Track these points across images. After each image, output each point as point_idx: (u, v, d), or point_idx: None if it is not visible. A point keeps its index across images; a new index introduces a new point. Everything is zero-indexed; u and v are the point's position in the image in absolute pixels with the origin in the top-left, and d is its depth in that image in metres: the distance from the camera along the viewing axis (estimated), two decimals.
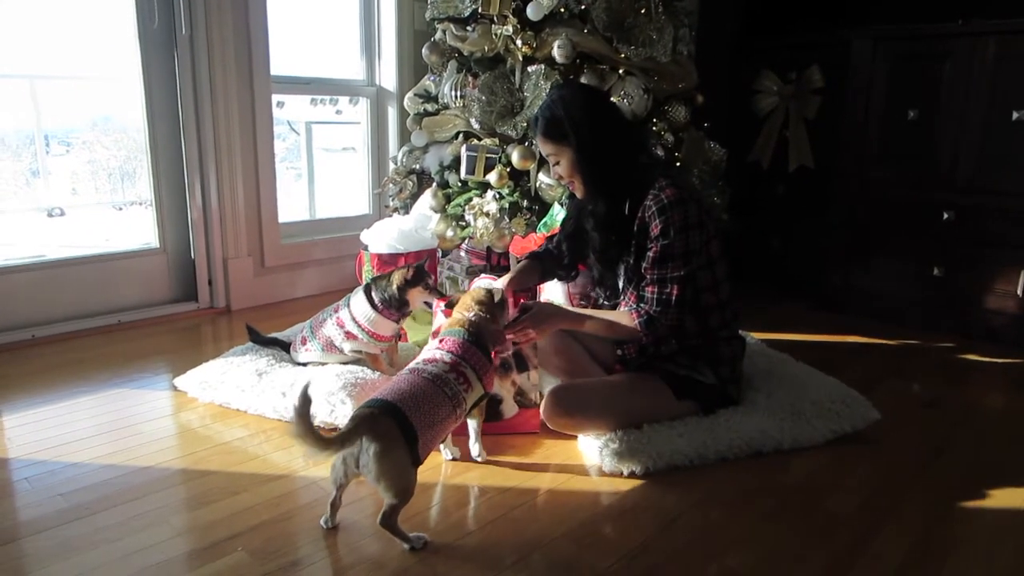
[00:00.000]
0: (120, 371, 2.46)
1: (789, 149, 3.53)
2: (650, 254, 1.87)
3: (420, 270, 2.18)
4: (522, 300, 2.13)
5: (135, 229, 3.18)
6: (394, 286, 2.14)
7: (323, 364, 2.20)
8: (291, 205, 3.67)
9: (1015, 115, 2.80)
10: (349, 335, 2.17)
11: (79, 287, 2.88)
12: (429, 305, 2.23)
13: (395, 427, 1.48)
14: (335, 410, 1.96)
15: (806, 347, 2.83)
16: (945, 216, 3.02)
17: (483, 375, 1.72)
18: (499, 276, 2.81)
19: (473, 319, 1.79)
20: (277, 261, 3.32)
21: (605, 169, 1.92)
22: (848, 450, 1.99)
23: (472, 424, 1.84)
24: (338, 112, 4.28)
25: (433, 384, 1.61)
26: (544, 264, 2.21)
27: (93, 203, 3.71)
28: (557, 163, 1.97)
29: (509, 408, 1.95)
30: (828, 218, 3.37)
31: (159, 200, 3.06)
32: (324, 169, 4.23)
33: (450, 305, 1.91)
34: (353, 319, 2.17)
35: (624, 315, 1.91)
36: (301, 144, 4.26)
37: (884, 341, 2.99)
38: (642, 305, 1.89)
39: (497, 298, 1.86)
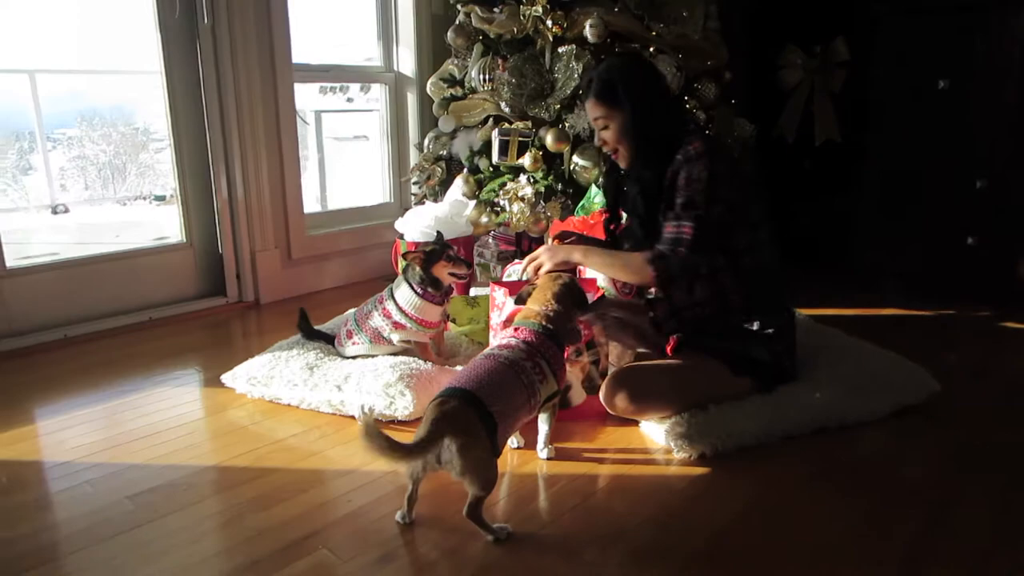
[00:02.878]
0: (159, 369, 2.42)
1: (815, 123, 3.50)
2: (676, 200, 1.87)
3: (434, 247, 2.15)
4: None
5: (144, 225, 3.13)
6: (418, 269, 2.12)
7: (372, 356, 2.16)
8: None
9: None
10: (397, 325, 2.14)
11: (107, 284, 2.83)
12: (458, 276, 2.18)
13: (476, 419, 1.45)
14: (394, 402, 1.92)
15: (843, 322, 2.80)
16: (978, 184, 2.99)
17: (557, 369, 1.67)
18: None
19: (550, 314, 1.73)
20: (303, 253, 3.27)
21: (655, 136, 1.93)
22: (911, 422, 1.97)
23: (543, 424, 1.77)
24: (349, 100, 4.22)
25: (510, 369, 1.57)
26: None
27: (98, 198, 3.66)
28: (605, 127, 1.98)
29: (577, 395, 1.91)
30: (857, 192, 3.34)
31: (184, 194, 3.00)
32: (335, 159, 4.18)
33: (520, 300, 1.83)
34: (399, 308, 2.14)
35: (637, 255, 1.90)
36: (310, 134, 4.21)
37: (921, 312, 2.97)
38: (658, 245, 1.89)
39: (575, 291, 1.80)
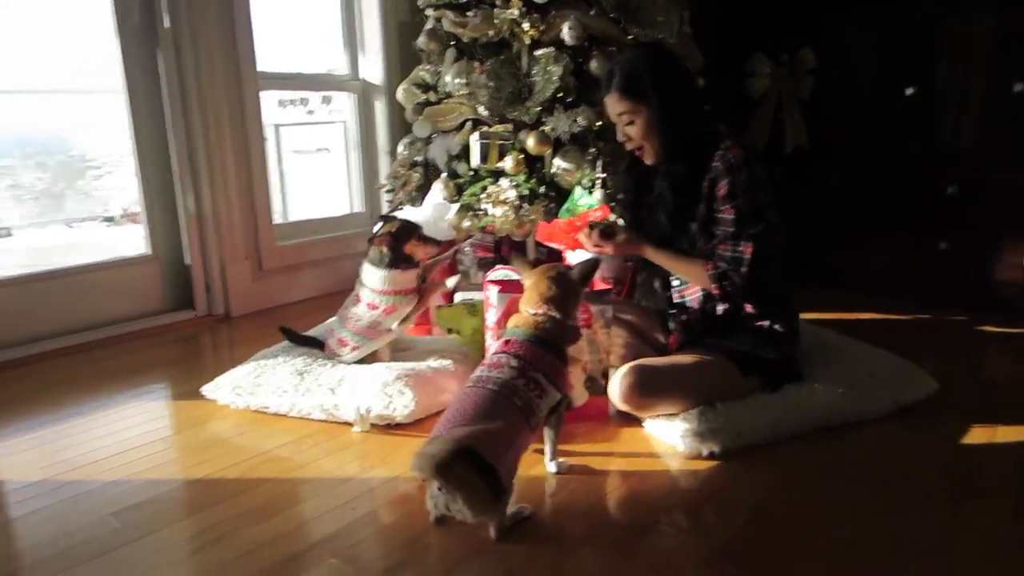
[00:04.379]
0: (131, 384, 2.29)
1: (785, 131, 3.54)
2: (722, 215, 1.84)
3: (402, 225, 2.09)
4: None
5: (94, 246, 2.99)
6: (385, 249, 2.05)
7: (372, 360, 2.09)
8: None
9: (1016, 87, 2.85)
10: (388, 310, 2.06)
11: (70, 300, 2.68)
12: (430, 255, 2.15)
13: (471, 471, 1.33)
14: (392, 401, 1.84)
15: (825, 325, 2.82)
16: (949, 190, 3.05)
17: (556, 379, 1.57)
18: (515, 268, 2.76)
19: (541, 320, 1.62)
20: (274, 264, 3.16)
21: (683, 130, 1.88)
22: (912, 420, 1.96)
23: (548, 436, 1.67)
24: (310, 112, 4.12)
25: (500, 396, 1.46)
26: None
27: (45, 221, 3.48)
28: (630, 123, 1.91)
29: (579, 396, 1.84)
30: (827, 198, 3.39)
31: (149, 206, 2.87)
32: (296, 172, 4.07)
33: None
34: (378, 293, 2.06)
35: (700, 265, 1.89)
36: (270, 148, 4.09)
37: (898, 316, 3.00)
38: (718, 261, 1.86)
39: (576, 276, 1.69)
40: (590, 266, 1.71)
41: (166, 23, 2.73)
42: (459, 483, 1.33)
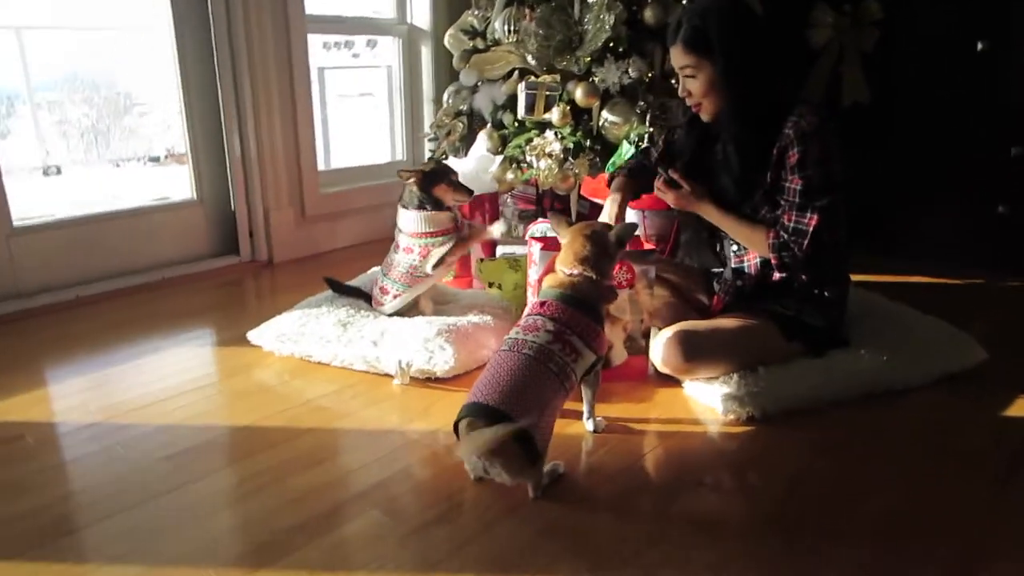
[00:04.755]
0: (177, 328, 2.34)
1: (843, 85, 3.40)
2: (790, 184, 1.76)
3: (434, 168, 2.09)
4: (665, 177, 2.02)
5: (139, 184, 3.02)
6: (414, 188, 2.05)
7: (415, 305, 2.12)
8: None
9: None
10: (423, 253, 2.07)
11: (117, 243, 2.73)
12: (460, 201, 2.13)
13: (508, 439, 1.34)
14: (434, 356, 1.86)
15: (874, 287, 2.75)
16: (1013, 152, 2.92)
17: (592, 340, 1.56)
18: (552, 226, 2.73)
19: (577, 280, 1.59)
20: (317, 211, 3.17)
21: (749, 90, 1.79)
22: (959, 388, 1.92)
23: (586, 395, 1.68)
24: (355, 56, 4.08)
25: (535, 362, 1.45)
26: (639, 181, 2.09)
27: (89, 160, 3.53)
28: (692, 77, 1.83)
29: (618, 355, 1.83)
30: (884, 157, 3.27)
31: (195, 150, 2.89)
32: (339, 117, 4.05)
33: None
34: (413, 236, 2.07)
35: (761, 231, 1.83)
36: (313, 91, 4.07)
37: (951, 281, 2.91)
38: (780, 230, 1.80)
39: (613, 237, 1.65)
40: (628, 229, 1.68)
41: None
42: (497, 450, 1.34)
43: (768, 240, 1.81)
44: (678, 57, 1.82)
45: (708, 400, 1.80)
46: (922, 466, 1.58)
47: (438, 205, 2.07)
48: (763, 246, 1.83)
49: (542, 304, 1.59)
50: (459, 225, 2.14)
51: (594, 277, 1.61)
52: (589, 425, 1.69)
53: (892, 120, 3.25)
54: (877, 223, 3.31)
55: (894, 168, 3.27)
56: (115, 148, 3.19)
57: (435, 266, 2.08)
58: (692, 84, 1.83)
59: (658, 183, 1.98)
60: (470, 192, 2.11)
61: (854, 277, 2.02)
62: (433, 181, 2.06)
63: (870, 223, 3.31)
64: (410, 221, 2.07)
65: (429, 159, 2.14)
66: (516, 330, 1.55)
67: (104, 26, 2.83)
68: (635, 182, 2.07)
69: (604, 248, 1.63)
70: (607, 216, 1.98)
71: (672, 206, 1.99)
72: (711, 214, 1.92)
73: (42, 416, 1.78)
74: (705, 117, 1.89)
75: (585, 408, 1.69)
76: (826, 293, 1.91)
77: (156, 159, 3.66)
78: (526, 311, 1.64)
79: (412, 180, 2.05)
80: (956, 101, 3.05)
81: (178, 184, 2.98)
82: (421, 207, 2.06)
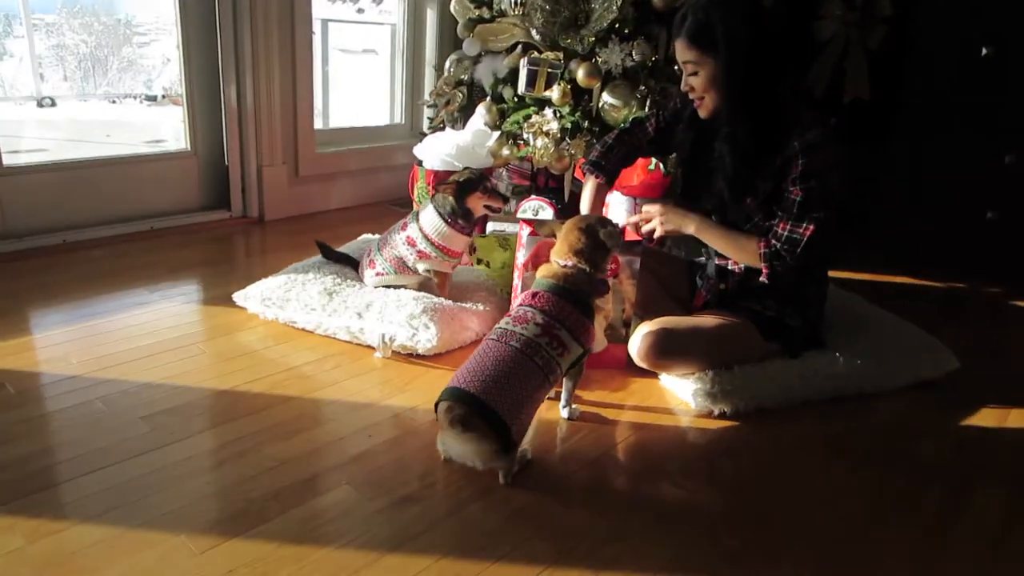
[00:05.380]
0: (165, 282, 2.35)
1: (846, 79, 3.39)
2: (789, 195, 1.76)
3: (471, 177, 2.05)
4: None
5: (135, 125, 2.98)
6: (450, 197, 2.02)
7: (397, 287, 2.10)
8: None
9: None
10: (422, 254, 2.06)
11: (107, 190, 2.72)
12: (492, 209, 2.10)
13: (483, 425, 1.38)
14: (417, 334, 1.88)
15: (857, 286, 2.78)
16: (1007, 159, 2.94)
17: (580, 334, 1.58)
18: (550, 199, 2.73)
19: (570, 272, 1.62)
20: (311, 171, 3.16)
21: (752, 91, 1.75)
22: (928, 396, 1.96)
23: (567, 384, 1.70)
24: (360, 11, 4.03)
25: (521, 354, 1.47)
26: (612, 179, 2.10)
27: (85, 92, 3.48)
28: (694, 73, 1.80)
29: (598, 343, 1.85)
30: (879, 154, 3.28)
31: (190, 100, 2.86)
32: (341, 72, 4.01)
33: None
34: (424, 236, 2.05)
35: (752, 241, 1.82)
36: (316, 44, 4.02)
37: (932, 283, 2.95)
38: (772, 239, 1.79)
39: (604, 236, 1.66)
40: (621, 229, 1.71)
41: None
42: (472, 437, 1.38)
43: (759, 250, 1.80)
44: (682, 52, 1.80)
45: (682, 394, 1.84)
46: (883, 472, 1.63)
47: (468, 216, 2.04)
48: (753, 256, 1.82)
49: (534, 295, 1.61)
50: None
51: (588, 269, 1.63)
52: (565, 413, 1.72)
53: (890, 118, 3.26)
54: (866, 219, 3.33)
55: (887, 166, 3.29)
56: (112, 81, 3.14)
57: (424, 271, 2.09)
58: (694, 80, 1.81)
59: (631, 221, 1.96)
60: (505, 199, 2.10)
61: (839, 273, 2.03)
62: (468, 190, 2.02)
63: (861, 218, 3.34)
64: (431, 224, 2.05)
65: (464, 168, 2.10)
66: (506, 320, 1.57)
67: None
68: (611, 184, 2.10)
69: (599, 241, 1.65)
70: (585, 207, 1.99)
71: (659, 236, 1.93)
72: (698, 233, 1.89)
73: (24, 365, 1.80)
74: (703, 114, 1.87)
75: (563, 396, 1.72)
76: (806, 293, 1.94)
77: (153, 98, 3.62)
78: (517, 300, 1.65)
79: (448, 191, 2.02)
80: (956, 105, 3.05)
81: (172, 128, 2.93)
82: (451, 219, 2.04)
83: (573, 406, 1.72)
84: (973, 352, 2.25)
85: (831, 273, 2.79)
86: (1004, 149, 2.94)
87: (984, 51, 2.93)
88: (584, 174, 2.15)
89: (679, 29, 1.79)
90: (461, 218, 2.04)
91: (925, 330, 2.21)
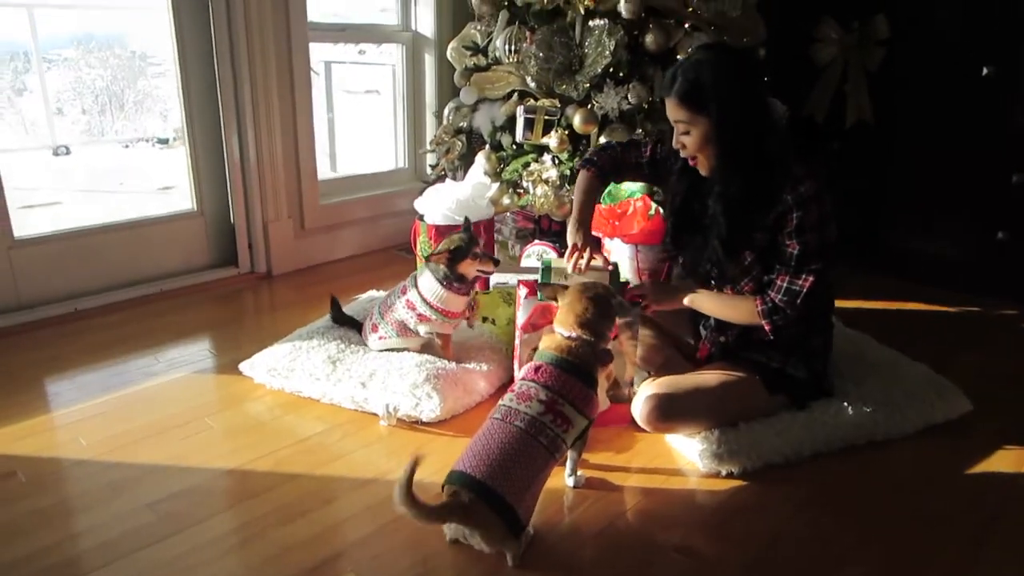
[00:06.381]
0: (174, 349, 2.38)
1: (847, 103, 3.37)
2: (786, 248, 1.75)
3: (460, 245, 2.04)
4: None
5: (146, 170, 3.02)
6: (442, 266, 2.03)
7: (400, 350, 2.11)
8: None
9: None
10: (422, 317, 2.06)
11: (117, 255, 2.76)
12: (486, 272, 2.12)
13: (489, 511, 1.38)
14: (420, 404, 1.88)
15: (868, 316, 2.76)
16: (1015, 179, 2.90)
17: (584, 406, 1.57)
18: (553, 243, 2.73)
19: (575, 345, 1.60)
20: (317, 223, 3.19)
21: (742, 151, 1.75)
22: (941, 442, 1.93)
23: (572, 455, 1.68)
24: (361, 52, 4.07)
25: (526, 434, 1.46)
26: (604, 176, 2.11)
27: (99, 137, 3.53)
28: (686, 132, 1.79)
29: (602, 402, 1.85)
30: (886, 177, 3.25)
31: (195, 163, 2.90)
32: (345, 113, 4.04)
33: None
34: (423, 300, 2.06)
35: (747, 300, 1.81)
36: (320, 86, 4.06)
37: (946, 308, 2.91)
38: (769, 292, 1.78)
39: (615, 305, 1.68)
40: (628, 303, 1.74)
41: None
42: (476, 523, 1.38)
43: (757, 308, 1.79)
44: (673, 111, 1.79)
45: (689, 453, 1.82)
46: (897, 529, 1.61)
47: (462, 279, 2.06)
48: (752, 315, 1.81)
49: (536, 369, 1.60)
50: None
51: (592, 340, 1.62)
52: (570, 482, 1.71)
53: (895, 140, 3.23)
54: (877, 243, 3.31)
55: (896, 189, 3.26)
56: (129, 114, 3.19)
57: (426, 333, 2.10)
58: (686, 139, 1.80)
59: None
60: (496, 261, 2.11)
61: (850, 303, 1.99)
62: (459, 258, 2.03)
63: (870, 243, 3.31)
64: (428, 288, 2.06)
65: (453, 235, 2.10)
66: (510, 396, 1.57)
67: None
68: (604, 182, 2.12)
69: (605, 310, 1.65)
70: (574, 214, 2.00)
71: (655, 310, 1.96)
72: (692, 304, 1.90)
73: (35, 449, 1.82)
74: (703, 171, 1.86)
75: (568, 465, 1.71)
76: (811, 342, 1.92)
77: (165, 141, 3.68)
78: (520, 373, 1.65)
79: (440, 261, 2.03)
80: (960, 125, 3.03)
81: (185, 173, 2.96)
82: (447, 282, 2.05)
83: (578, 473, 1.71)
84: (989, 385, 2.22)
85: (841, 303, 2.80)
86: (1011, 168, 2.90)
87: (985, 71, 2.90)
88: (576, 172, 2.16)
89: (669, 88, 1.78)
90: (456, 281, 2.05)
91: (940, 361, 2.20)
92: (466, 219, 2.16)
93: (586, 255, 1.94)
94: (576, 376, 1.58)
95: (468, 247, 2.04)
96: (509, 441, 1.45)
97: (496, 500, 1.37)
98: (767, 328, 1.80)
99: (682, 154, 1.86)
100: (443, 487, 1.45)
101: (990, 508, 1.69)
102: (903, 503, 1.70)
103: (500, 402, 1.57)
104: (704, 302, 1.89)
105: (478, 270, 2.06)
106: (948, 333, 2.69)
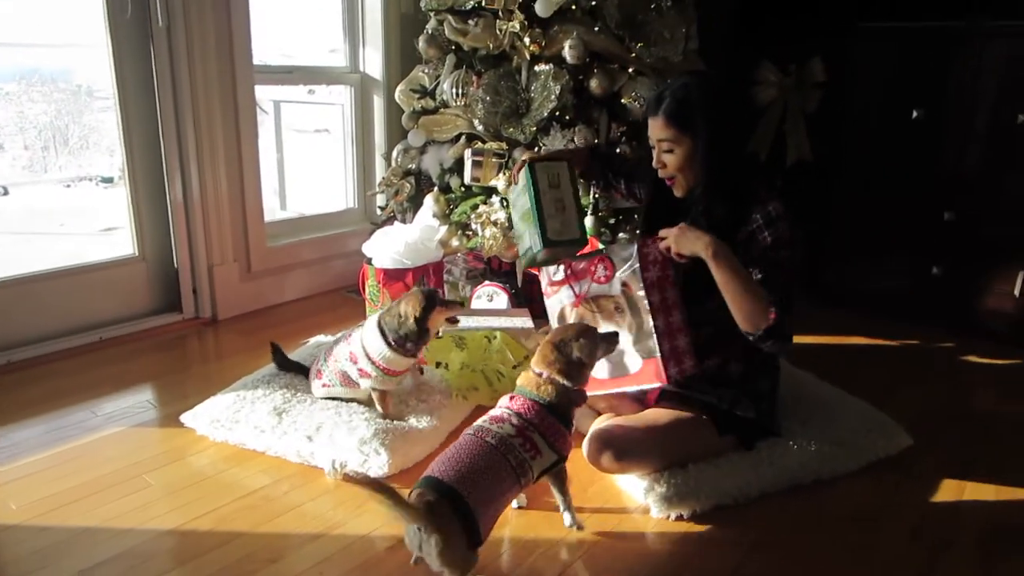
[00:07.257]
0: (112, 402, 2.29)
1: (787, 143, 3.48)
2: (753, 269, 1.75)
3: (428, 294, 1.99)
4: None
5: (89, 210, 2.93)
6: (411, 321, 1.94)
7: (347, 400, 2.08)
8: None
9: (1021, 118, 2.79)
10: (363, 372, 2.02)
11: (55, 303, 2.67)
12: (452, 321, 2.05)
13: (452, 516, 1.39)
14: (368, 460, 1.85)
15: (812, 352, 2.82)
16: (946, 216, 3.02)
17: (555, 441, 1.60)
18: (503, 283, 2.73)
19: (550, 386, 1.64)
20: (263, 265, 3.14)
21: (725, 170, 1.80)
22: (885, 477, 1.97)
23: (558, 496, 1.70)
24: (310, 92, 4.06)
25: (496, 451, 1.51)
26: (597, 150, 2.23)
27: (40, 178, 3.44)
28: (669, 151, 1.83)
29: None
30: (826, 214, 3.35)
31: (136, 205, 2.83)
32: (295, 152, 4.02)
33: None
34: (367, 356, 2.01)
35: (763, 299, 1.70)
36: (268, 125, 4.03)
37: (886, 342, 2.99)
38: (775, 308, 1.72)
39: (577, 350, 1.65)
40: (601, 345, 1.70)
41: (159, 20, 2.66)
42: (436, 528, 1.37)
43: (769, 317, 1.69)
44: (658, 129, 1.83)
45: (639, 495, 1.82)
46: (847, 565, 1.64)
47: (422, 337, 1.98)
48: (758, 316, 1.70)
49: (511, 397, 1.66)
50: (420, 371, 2.19)
51: (564, 383, 1.65)
52: (567, 519, 1.71)
53: (835, 179, 3.33)
54: (819, 278, 3.39)
55: (835, 225, 3.36)
56: (73, 149, 3.09)
57: (366, 386, 2.05)
58: (668, 157, 1.84)
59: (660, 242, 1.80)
60: (460, 304, 2.12)
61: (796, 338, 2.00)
62: (428, 312, 1.96)
63: (813, 278, 3.40)
64: (375, 347, 1.99)
65: (414, 289, 2.06)
66: (484, 418, 1.62)
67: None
68: (594, 155, 2.22)
69: (572, 358, 1.66)
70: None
71: (676, 252, 1.75)
72: (710, 257, 1.70)
73: None
74: (679, 192, 1.89)
75: (560, 503, 1.72)
76: (759, 384, 1.95)
77: (110, 180, 3.59)
78: (499, 401, 1.68)
79: (411, 315, 1.95)
80: (894, 164, 3.14)
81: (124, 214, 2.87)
82: (398, 343, 1.97)
83: (577, 516, 1.72)
84: (927, 420, 2.28)
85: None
86: (942, 206, 3.02)
87: (915, 113, 3.03)
88: None
89: (655, 108, 1.83)
90: (412, 341, 1.98)
91: (881, 397, 2.27)
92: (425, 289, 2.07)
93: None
94: (551, 412, 1.62)
95: (433, 296, 1.98)
96: (479, 453, 1.50)
97: (461, 504, 1.40)
98: (771, 318, 1.70)
99: (661, 173, 1.90)
100: (410, 493, 1.45)
101: (936, 539, 1.73)
102: (852, 539, 1.72)
103: (476, 422, 1.62)
104: (724, 264, 1.70)
105: (447, 318, 2.02)
106: (888, 367, 2.77)
